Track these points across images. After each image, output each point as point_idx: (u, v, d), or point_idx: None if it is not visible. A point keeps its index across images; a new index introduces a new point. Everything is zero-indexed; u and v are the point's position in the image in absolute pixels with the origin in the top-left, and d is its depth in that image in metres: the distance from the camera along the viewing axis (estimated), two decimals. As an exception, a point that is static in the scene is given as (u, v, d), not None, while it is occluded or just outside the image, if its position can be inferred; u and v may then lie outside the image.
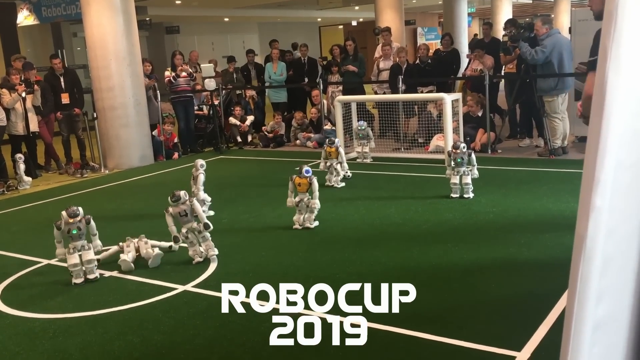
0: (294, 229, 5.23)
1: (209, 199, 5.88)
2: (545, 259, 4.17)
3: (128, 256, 4.46)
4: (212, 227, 4.48)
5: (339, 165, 6.77)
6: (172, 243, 4.64)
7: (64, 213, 4.22)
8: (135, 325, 3.53)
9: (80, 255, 4.24)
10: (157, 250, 4.58)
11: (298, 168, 5.21)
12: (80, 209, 4.30)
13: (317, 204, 5.15)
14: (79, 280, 4.25)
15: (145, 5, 15.50)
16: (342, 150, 6.83)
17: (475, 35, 22.86)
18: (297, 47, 11.66)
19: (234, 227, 5.49)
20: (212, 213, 5.87)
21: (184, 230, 4.50)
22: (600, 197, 1.05)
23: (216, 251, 4.54)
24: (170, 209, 4.49)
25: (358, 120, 8.32)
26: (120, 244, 4.62)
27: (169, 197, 4.49)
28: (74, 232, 4.23)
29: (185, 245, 4.56)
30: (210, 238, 4.52)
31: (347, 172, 6.99)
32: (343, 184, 6.80)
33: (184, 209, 4.47)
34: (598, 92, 1.04)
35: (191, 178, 5.94)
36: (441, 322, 3.32)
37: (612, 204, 1.06)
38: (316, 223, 5.27)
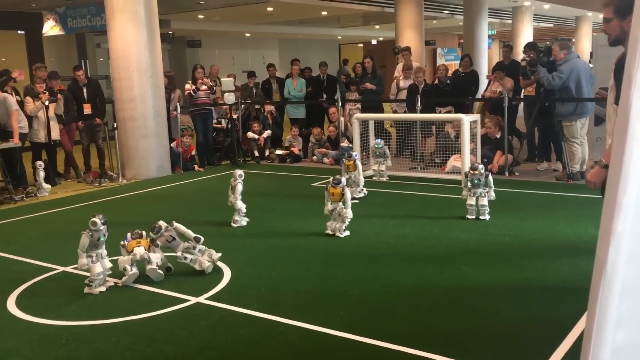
0: (326, 233, 5.50)
1: (245, 209, 6.02)
2: (561, 284, 4.12)
3: (153, 264, 4.46)
4: (202, 238, 4.59)
5: (358, 177, 6.90)
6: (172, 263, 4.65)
7: (97, 220, 4.24)
8: (148, 335, 3.54)
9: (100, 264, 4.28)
10: (155, 266, 4.51)
11: (333, 178, 5.44)
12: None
13: (349, 213, 5.38)
14: (103, 289, 4.28)
15: (168, 19, 15.73)
16: (359, 163, 6.94)
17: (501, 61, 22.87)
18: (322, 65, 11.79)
19: (247, 241, 5.50)
20: (244, 223, 6.01)
21: (179, 253, 4.56)
22: (622, 222, 1.05)
23: (219, 254, 4.65)
24: (158, 242, 4.51)
25: (375, 138, 8.33)
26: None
27: (150, 231, 4.52)
28: (102, 239, 4.28)
29: (191, 264, 4.58)
30: (204, 247, 4.62)
31: (362, 190, 7.02)
32: (362, 195, 6.90)
33: (169, 235, 4.53)
34: (622, 116, 1.04)
35: (229, 187, 6.04)
36: (452, 343, 3.29)
37: (634, 230, 1.06)
38: (346, 233, 5.47)
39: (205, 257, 4.60)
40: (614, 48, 3.45)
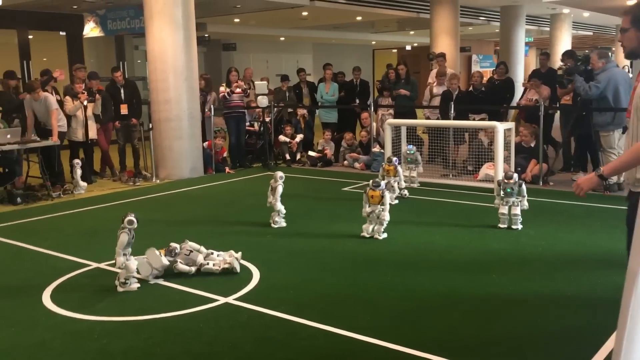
0: (362, 235, 5.58)
1: (284, 211, 6.09)
2: (594, 297, 4.04)
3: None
4: (203, 249, 4.74)
5: (396, 182, 6.94)
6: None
7: (133, 217, 4.33)
8: (177, 333, 3.59)
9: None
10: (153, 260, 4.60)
11: (372, 181, 5.56)
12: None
13: (386, 216, 5.48)
14: (138, 285, 4.37)
15: (205, 22, 15.95)
16: (400, 168, 7.02)
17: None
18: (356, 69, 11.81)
19: (277, 243, 5.53)
20: (284, 224, 6.08)
21: (203, 261, 4.64)
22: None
23: (239, 252, 4.77)
24: (179, 261, 4.60)
25: (407, 145, 8.30)
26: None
27: (167, 255, 4.59)
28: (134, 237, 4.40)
29: (215, 269, 4.63)
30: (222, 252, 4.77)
31: (404, 191, 7.29)
32: (397, 201, 6.94)
33: (186, 250, 4.64)
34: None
35: (269, 189, 6.11)
36: (482, 353, 3.25)
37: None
38: (384, 235, 5.55)
39: (226, 257, 4.71)
40: None
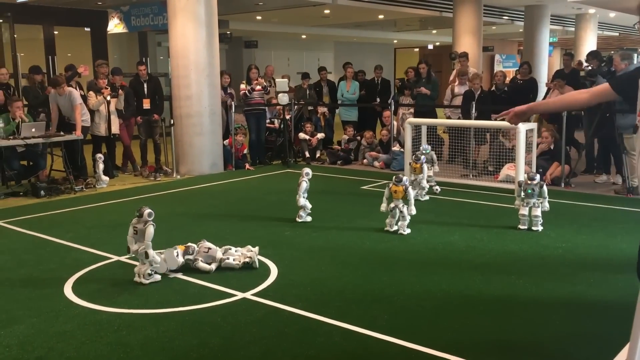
0: (385, 230, 5.71)
1: (309, 206, 6.15)
2: (614, 301, 3.99)
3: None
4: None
5: (424, 180, 7.06)
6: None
7: (151, 210, 4.39)
8: (195, 327, 3.63)
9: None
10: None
11: (395, 177, 5.64)
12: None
13: (413, 210, 5.63)
14: (159, 277, 4.44)
15: (227, 20, 16.02)
16: (425, 167, 7.08)
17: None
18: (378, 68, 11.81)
19: (295, 240, 5.55)
20: (309, 219, 6.16)
21: (222, 256, 4.68)
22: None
23: (256, 248, 4.80)
24: (200, 259, 4.63)
25: (424, 144, 8.24)
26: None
27: (185, 255, 4.62)
28: None
29: (235, 264, 4.67)
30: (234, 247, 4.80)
31: (436, 187, 7.54)
32: (427, 197, 7.11)
33: (204, 247, 4.68)
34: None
35: (298, 185, 6.15)
36: (498, 354, 3.23)
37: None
38: (408, 230, 5.66)
39: (244, 251, 4.74)
40: None
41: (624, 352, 3.20)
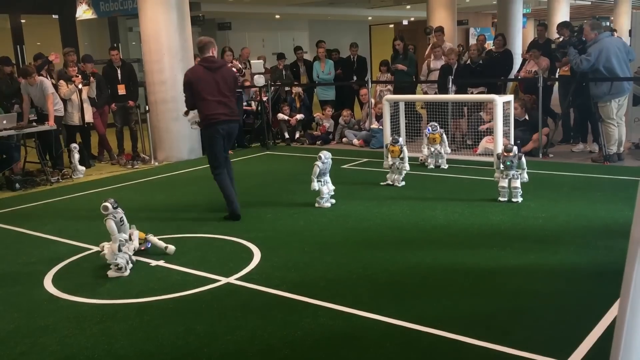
0: (386, 184, 6.72)
1: (326, 190, 5.94)
2: (595, 267, 4.04)
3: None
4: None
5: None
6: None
7: (107, 204, 4.37)
8: (180, 314, 3.60)
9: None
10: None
11: (392, 137, 6.76)
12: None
13: (406, 166, 6.60)
14: (128, 272, 4.36)
15: (198, 1, 15.75)
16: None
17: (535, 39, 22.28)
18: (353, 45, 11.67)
19: (277, 223, 5.53)
20: (327, 205, 5.96)
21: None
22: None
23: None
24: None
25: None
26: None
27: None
28: (125, 221, 4.43)
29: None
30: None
31: (443, 162, 7.67)
32: (403, 183, 6.73)
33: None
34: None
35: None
36: (485, 326, 3.26)
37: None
38: (403, 183, 6.65)
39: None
40: None
41: (610, 314, 3.26)
